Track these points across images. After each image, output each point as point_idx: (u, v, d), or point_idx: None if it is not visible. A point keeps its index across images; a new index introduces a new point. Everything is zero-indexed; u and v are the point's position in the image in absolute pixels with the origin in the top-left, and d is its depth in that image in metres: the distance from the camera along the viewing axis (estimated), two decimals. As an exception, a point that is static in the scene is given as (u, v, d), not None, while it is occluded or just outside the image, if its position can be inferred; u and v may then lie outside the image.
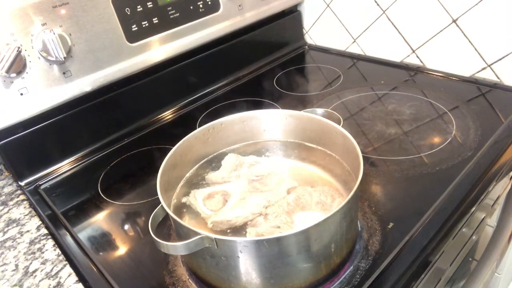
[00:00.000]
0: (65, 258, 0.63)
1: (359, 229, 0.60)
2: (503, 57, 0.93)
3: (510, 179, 0.82)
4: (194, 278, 0.56)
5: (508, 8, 0.88)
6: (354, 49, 1.21)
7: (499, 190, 0.80)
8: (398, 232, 0.59)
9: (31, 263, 0.62)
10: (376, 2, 1.09)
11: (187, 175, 0.66)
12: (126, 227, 0.69)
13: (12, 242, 0.67)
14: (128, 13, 0.86)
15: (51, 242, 0.66)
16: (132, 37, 0.88)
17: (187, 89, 1.06)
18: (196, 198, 0.61)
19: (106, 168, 0.84)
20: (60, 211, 0.74)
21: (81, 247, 0.65)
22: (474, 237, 0.78)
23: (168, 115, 1.01)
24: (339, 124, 0.61)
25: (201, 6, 0.98)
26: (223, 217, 0.56)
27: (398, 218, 0.62)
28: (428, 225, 0.60)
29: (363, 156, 0.53)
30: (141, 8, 0.88)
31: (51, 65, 0.77)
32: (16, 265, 0.62)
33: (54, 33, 0.73)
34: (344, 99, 0.97)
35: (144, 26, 0.89)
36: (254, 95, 1.04)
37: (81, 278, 0.59)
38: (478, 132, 0.78)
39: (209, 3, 1.00)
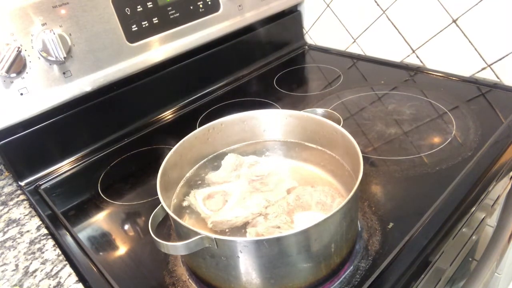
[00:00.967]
0: (65, 258, 0.63)
1: (359, 229, 0.60)
2: (503, 57, 0.93)
3: (510, 179, 0.82)
4: (194, 278, 0.56)
5: (508, 8, 0.88)
6: (354, 49, 1.21)
7: (499, 190, 0.80)
8: (398, 232, 0.59)
9: (31, 263, 0.62)
10: (376, 2, 1.09)
11: (187, 175, 0.66)
12: (126, 227, 0.69)
13: (12, 242, 0.67)
14: (128, 13, 0.86)
15: (51, 242, 0.66)
16: (132, 37, 0.88)
17: (187, 89, 1.06)
18: (196, 198, 0.61)
19: (106, 168, 0.84)
20: (60, 211, 0.74)
21: (81, 247, 0.65)
22: (474, 237, 0.78)
23: (168, 115, 1.01)
24: (339, 124, 0.61)
25: (201, 6, 0.98)
26: (223, 217, 0.56)
27: (398, 218, 0.62)
28: (428, 225, 0.60)
29: (363, 156, 0.53)
30: (141, 8, 0.88)
31: (51, 65, 0.77)
32: (16, 265, 0.62)
33: (54, 33, 0.73)
34: (344, 99, 0.97)
35: (144, 26, 0.89)
36: (254, 95, 1.04)
37: (81, 278, 0.59)
38: (478, 132, 0.78)
39: (209, 3, 1.00)
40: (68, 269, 0.61)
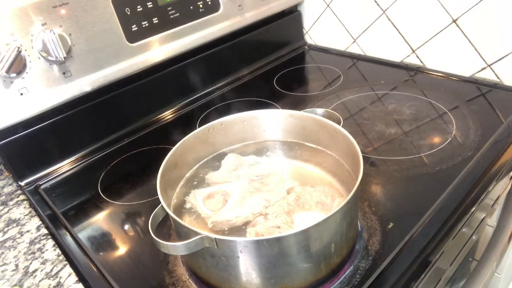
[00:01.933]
0: (65, 258, 0.63)
1: (359, 229, 0.60)
2: (503, 57, 0.93)
3: (510, 179, 0.82)
4: (194, 278, 0.56)
5: (508, 8, 0.88)
6: (354, 49, 1.21)
7: (499, 190, 0.80)
8: (398, 232, 0.59)
9: (31, 263, 0.62)
10: (376, 2, 1.09)
11: (187, 175, 0.66)
12: (126, 227, 0.69)
13: (12, 242, 0.67)
14: (128, 13, 0.86)
15: (51, 242, 0.66)
16: (132, 37, 0.88)
17: (187, 89, 1.06)
18: (196, 198, 0.61)
19: (106, 168, 0.84)
20: (60, 211, 0.74)
21: (81, 247, 0.65)
22: (474, 237, 0.78)
23: (168, 115, 1.01)
24: (339, 124, 0.61)
25: (201, 6, 0.98)
26: (223, 217, 0.56)
27: (398, 218, 0.62)
28: (428, 225, 0.60)
29: (363, 156, 0.53)
30: (141, 8, 0.88)
31: (51, 65, 0.77)
32: (16, 265, 0.62)
33: (54, 33, 0.73)
34: (344, 99, 0.97)
35: (144, 26, 0.89)
36: (254, 95, 1.04)
37: (81, 278, 0.59)
38: (478, 132, 0.78)
39: (209, 3, 1.00)
40: (68, 269, 0.61)
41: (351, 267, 0.55)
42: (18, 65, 0.72)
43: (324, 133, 0.65)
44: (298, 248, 0.47)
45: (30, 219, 0.72)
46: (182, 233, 0.51)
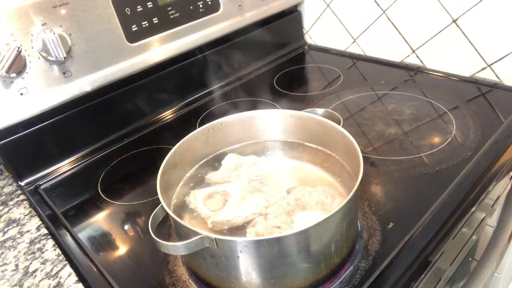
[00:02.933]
0: (65, 258, 0.63)
1: (359, 229, 0.60)
2: (503, 57, 0.93)
3: (510, 179, 0.82)
4: (194, 278, 0.56)
5: (508, 8, 0.88)
6: (354, 49, 1.21)
7: (499, 190, 0.80)
8: (398, 232, 0.59)
9: (31, 263, 0.62)
10: (376, 2, 1.09)
11: (187, 175, 0.66)
12: (126, 227, 0.69)
13: (12, 242, 0.67)
14: (128, 13, 0.86)
15: (51, 242, 0.66)
16: (132, 37, 0.88)
17: (187, 89, 1.06)
18: (196, 198, 0.61)
19: (106, 168, 0.84)
20: (60, 211, 0.74)
21: (81, 247, 0.65)
22: (474, 237, 0.78)
23: (168, 115, 1.01)
24: (339, 124, 0.61)
25: (201, 6, 0.98)
26: (223, 217, 0.56)
27: (398, 218, 0.62)
28: (428, 225, 0.60)
29: (363, 156, 0.53)
30: (141, 8, 0.88)
31: (51, 65, 0.77)
32: (16, 265, 0.62)
33: (54, 33, 0.73)
34: (344, 99, 0.97)
35: (144, 26, 0.89)
36: (254, 95, 1.04)
37: (81, 278, 0.59)
38: (478, 132, 0.78)
39: (209, 3, 1.00)
40: (68, 269, 0.61)
41: (351, 267, 0.55)
42: (18, 65, 0.72)
43: (324, 133, 0.65)
44: (298, 248, 0.47)
45: (30, 219, 0.72)
46: (182, 233, 0.51)
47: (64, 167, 0.86)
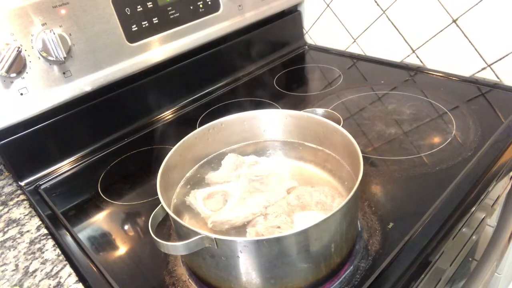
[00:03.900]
0: (65, 258, 0.63)
1: (359, 229, 0.60)
2: (503, 57, 0.93)
3: (510, 179, 0.82)
4: (194, 278, 0.56)
5: (508, 8, 0.88)
6: (354, 49, 1.21)
7: (499, 190, 0.80)
8: (398, 232, 0.59)
9: (31, 263, 0.62)
10: (376, 2, 1.09)
11: (187, 175, 0.66)
12: (126, 227, 0.69)
13: (12, 242, 0.67)
14: (128, 13, 0.86)
15: (51, 242, 0.66)
16: (132, 37, 0.88)
17: (187, 89, 1.06)
18: (196, 198, 0.61)
19: (106, 168, 0.84)
20: (60, 211, 0.74)
21: (81, 247, 0.65)
22: (474, 237, 0.78)
23: (168, 115, 1.01)
24: (339, 124, 0.61)
25: (201, 6, 0.98)
26: (223, 217, 0.56)
27: (398, 218, 0.62)
28: (428, 225, 0.60)
29: (363, 156, 0.53)
30: (141, 8, 0.88)
31: (51, 65, 0.77)
32: (16, 265, 0.62)
33: (54, 33, 0.73)
34: (344, 99, 0.97)
35: (144, 26, 0.89)
36: (254, 95, 1.04)
37: (81, 278, 0.59)
38: (478, 132, 0.78)
39: (209, 3, 1.00)
40: (68, 269, 0.61)
41: (351, 267, 0.55)
42: (18, 65, 0.72)
43: (324, 133, 0.65)
44: (298, 248, 0.47)
45: (30, 219, 0.72)
46: (182, 233, 0.51)
47: (64, 167, 0.86)
